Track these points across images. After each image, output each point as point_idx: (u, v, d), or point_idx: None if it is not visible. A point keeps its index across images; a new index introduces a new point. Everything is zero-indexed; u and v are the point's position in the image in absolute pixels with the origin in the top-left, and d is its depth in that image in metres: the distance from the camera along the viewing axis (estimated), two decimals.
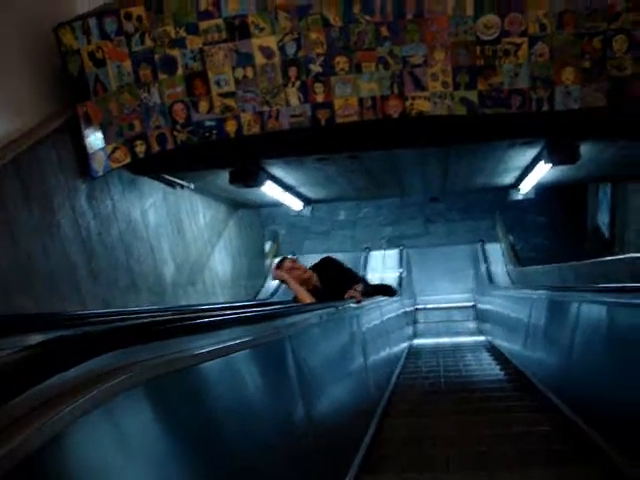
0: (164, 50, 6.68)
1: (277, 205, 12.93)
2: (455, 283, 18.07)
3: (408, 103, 6.66)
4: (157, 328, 1.63)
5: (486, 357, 10.65)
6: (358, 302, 5.90)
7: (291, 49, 6.60)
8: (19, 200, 5.70)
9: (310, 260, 7.10)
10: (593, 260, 10.12)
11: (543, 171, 9.24)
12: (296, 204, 12.13)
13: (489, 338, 13.01)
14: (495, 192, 16.25)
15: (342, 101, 6.74)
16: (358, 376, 5.29)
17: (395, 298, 9.62)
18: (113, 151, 6.95)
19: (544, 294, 6.55)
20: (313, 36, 6.54)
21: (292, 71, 6.69)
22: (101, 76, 6.67)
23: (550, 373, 6.01)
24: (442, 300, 17.71)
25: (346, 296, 5.93)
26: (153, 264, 8.50)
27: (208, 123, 6.95)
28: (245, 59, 6.66)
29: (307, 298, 5.99)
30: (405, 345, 11.64)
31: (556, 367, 5.74)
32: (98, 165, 6.85)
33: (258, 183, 8.63)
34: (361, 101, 6.72)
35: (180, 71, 6.75)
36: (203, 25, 6.56)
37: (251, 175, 8.45)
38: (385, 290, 8.51)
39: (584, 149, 7.77)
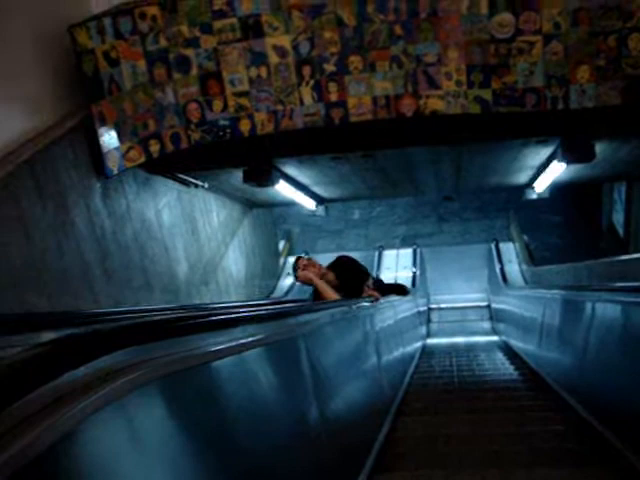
0: (178, 50, 6.69)
1: (290, 204, 12.93)
2: (469, 282, 18.01)
3: (422, 102, 6.64)
4: (169, 325, 1.63)
5: (500, 357, 10.62)
6: (376, 300, 5.92)
7: (305, 48, 6.60)
8: (34, 198, 5.72)
9: (323, 259, 7.08)
10: (608, 259, 10.06)
11: (557, 170, 9.20)
12: (309, 203, 12.12)
13: (503, 338, 12.97)
14: (509, 191, 16.24)
15: (356, 100, 6.73)
16: (372, 375, 5.28)
17: (409, 297, 9.60)
18: (127, 150, 6.97)
19: (558, 293, 6.52)
20: (327, 35, 6.53)
21: (306, 70, 6.69)
22: (116, 76, 6.70)
23: (564, 373, 5.98)
24: (456, 300, 17.65)
25: (364, 294, 5.97)
26: (167, 264, 8.52)
27: (222, 122, 6.96)
28: (259, 58, 6.67)
29: (334, 296, 5.96)
30: (419, 345, 11.62)
31: (570, 367, 5.72)
32: (112, 164, 6.87)
33: (271, 182, 8.63)
34: (375, 100, 6.71)
35: (194, 71, 6.76)
36: (217, 25, 6.57)
37: (264, 174, 8.46)
38: (398, 289, 8.51)
39: (598, 148, 7.74)
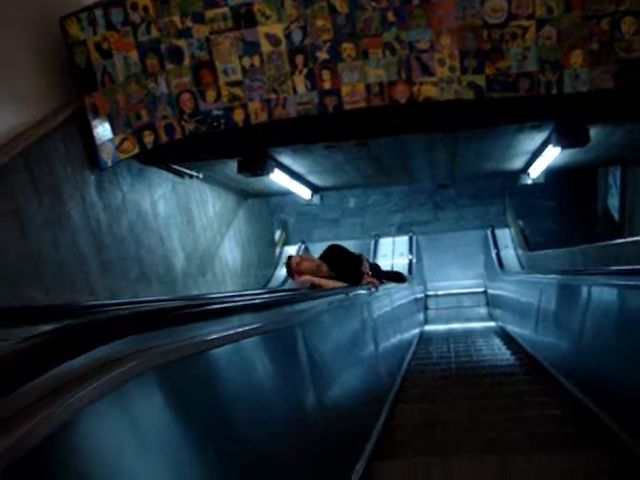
0: (170, 40, 6.67)
1: (286, 194, 12.92)
2: (465, 269, 18.05)
3: (415, 88, 6.63)
4: (166, 315, 1.63)
5: (497, 342, 10.64)
6: (375, 287, 5.95)
7: (298, 37, 6.58)
8: (28, 192, 5.71)
9: (320, 248, 7.09)
10: (604, 243, 10.08)
11: (552, 155, 9.20)
12: (304, 192, 12.10)
13: (500, 323, 13.00)
14: (504, 177, 16.22)
15: (349, 88, 6.72)
16: (369, 362, 5.29)
17: (405, 284, 9.62)
18: (121, 142, 6.96)
19: (554, 278, 6.54)
20: (319, 23, 6.51)
21: (299, 58, 6.67)
22: (108, 67, 6.68)
23: (561, 357, 6.00)
24: (453, 286, 17.70)
25: (363, 282, 5.99)
26: (163, 254, 8.52)
27: (216, 112, 6.94)
28: (252, 47, 6.65)
29: (336, 285, 5.97)
30: (416, 331, 11.64)
31: (567, 351, 5.74)
32: (107, 156, 6.86)
33: (266, 172, 8.61)
34: (368, 87, 6.70)
35: (187, 61, 6.75)
36: (209, 14, 6.55)
37: (259, 164, 8.44)
38: (396, 277, 8.52)
39: (593, 132, 7.73)
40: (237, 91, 6.84)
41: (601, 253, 9.56)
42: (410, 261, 16.53)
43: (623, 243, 9.24)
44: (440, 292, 17.63)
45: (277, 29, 6.56)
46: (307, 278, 6.11)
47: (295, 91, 6.78)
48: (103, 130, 6.81)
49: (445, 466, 3.87)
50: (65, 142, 6.43)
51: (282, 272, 15.72)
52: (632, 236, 11.02)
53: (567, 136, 7.78)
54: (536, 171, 11.01)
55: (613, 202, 17.45)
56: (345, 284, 5.95)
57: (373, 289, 6.01)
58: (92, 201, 6.78)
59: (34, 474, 0.94)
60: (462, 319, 15.58)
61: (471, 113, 6.96)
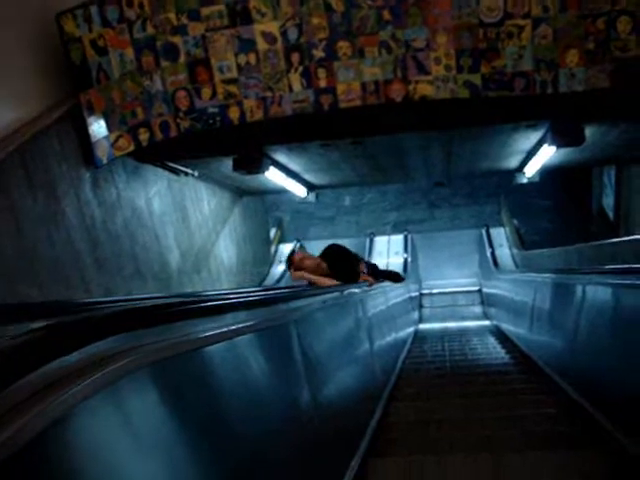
0: (166, 37, 6.65)
1: (281, 192, 12.92)
2: (460, 268, 18.08)
3: (411, 87, 6.62)
4: (160, 312, 1.63)
5: (492, 341, 10.65)
6: (370, 285, 6.00)
7: (293, 34, 6.57)
8: (24, 188, 5.71)
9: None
10: (599, 242, 10.10)
11: (547, 154, 9.21)
12: (300, 190, 12.10)
13: (495, 322, 13.02)
14: (499, 176, 16.25)
15: (345, 86, 6.71)
16: (364, 361, 5.29)
17: (401, 283, 9.62)
18: (117, 139, 6.94)
19: (549, 277, 6.54)
20: (315, 21, 6.50)
21: (295, 56, 6.66)
22: (104, 64, 6.67)
23: (556, 355, 6.01)
24: (448, 285, 17.72)
25: (360, 280, 6.05)
26: (158, 252, 8.51)
27: (211, 110, 6.93)
28: (247, 45, 6.63)
29: (332, 283, 6.02)
30: (411, 330, 11.65)
31: (561, 349, 5.74)
32: (102, 153, 6.85)
33: (261, 169, 8.61)
34: (364, 85, 6.69)
35: (182, 58, 6.73)
36: (205, 11, 6.54)
37: (254, 162, 8.43)
38: (392, 276, 8.53)
39: (588, 131, 7.74)
40: (233, 89, 6.82)
41: (596, 252, 9.57)
42: (405, 259, 16.55)
43: (618, 242, 9.25)
44: (435, 290, 17.64)
45: (273, 27, 6.55)
46: (302, 274, 6.15)
47: (291, 89, 6.77)
48: (98, 127, 6.80)
49: (440, 464, 3.87)
50: (60, 139, 6.42)
51: (277, 270, 15.74)
52: (627, 235, 11.04)
53: (562, 135, 7.78)
54: (531, 170, 11.02)
55: (608, 201, 17.48)
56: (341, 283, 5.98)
57: (368, 285, 6.06)
58: (87, 198, 6.77)
59: (27, 470, 0.94)
60: (457, 318, 15.59)
61: (467, 112, 6.96)
